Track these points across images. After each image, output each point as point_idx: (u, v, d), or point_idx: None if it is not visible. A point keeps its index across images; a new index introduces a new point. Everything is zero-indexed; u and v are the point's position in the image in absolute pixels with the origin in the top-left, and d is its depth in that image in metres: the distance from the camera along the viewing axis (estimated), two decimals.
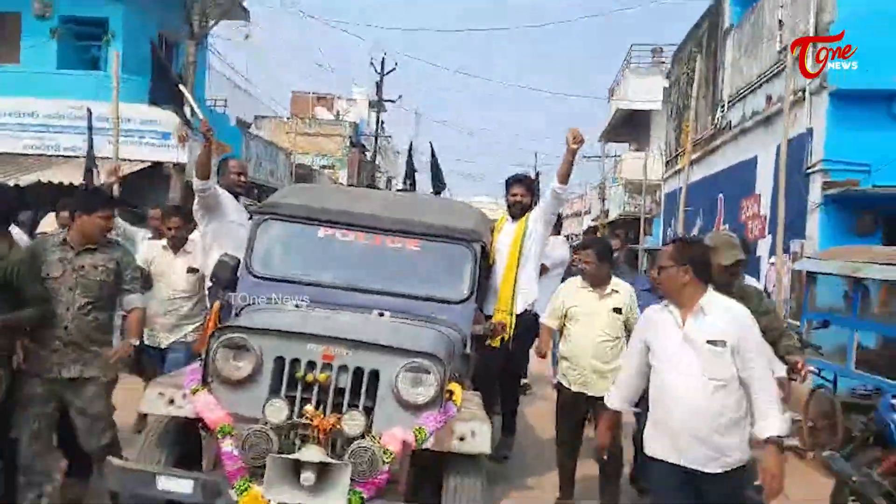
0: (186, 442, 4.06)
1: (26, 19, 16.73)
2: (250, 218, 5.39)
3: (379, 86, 31.24)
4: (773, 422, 3.53)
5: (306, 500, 3.58)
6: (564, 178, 5.91)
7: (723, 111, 15.70)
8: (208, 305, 5.73)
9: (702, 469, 3.62)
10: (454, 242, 5.15)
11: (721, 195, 14.83)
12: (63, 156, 15.03)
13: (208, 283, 5.63)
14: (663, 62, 24.23)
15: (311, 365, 3.85)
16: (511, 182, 6.36)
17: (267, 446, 3.64)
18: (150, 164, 14.72)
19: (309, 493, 3.59)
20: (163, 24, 17.47)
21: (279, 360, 3.87)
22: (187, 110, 7.44)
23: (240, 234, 5.50)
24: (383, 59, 31.28)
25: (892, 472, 4.80)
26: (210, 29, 18.04)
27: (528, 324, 5.99)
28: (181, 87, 6.78)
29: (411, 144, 15.61)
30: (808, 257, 9.04)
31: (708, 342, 3.62)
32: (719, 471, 3.60)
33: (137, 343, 4.79)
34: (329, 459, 3.65)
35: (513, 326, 5.83)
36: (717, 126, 15.99)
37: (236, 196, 6.16)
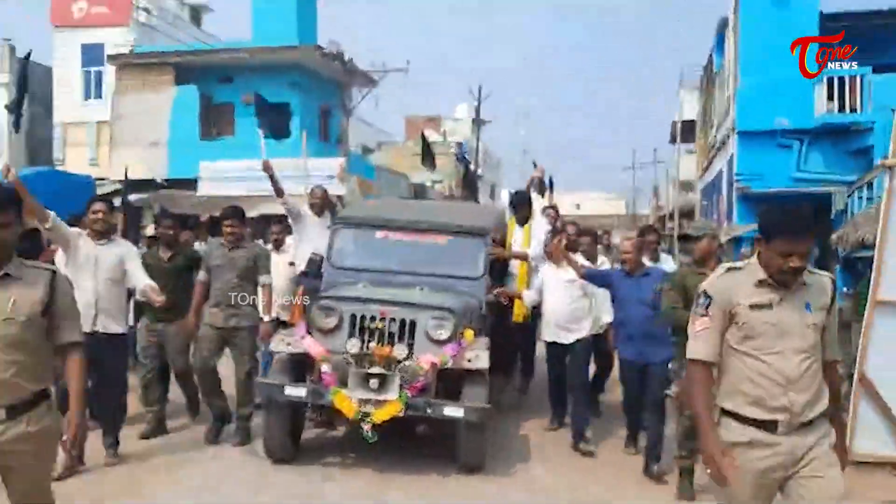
0: (296, 369, 5.58)
1: (237, 107, 21.19)
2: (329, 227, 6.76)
3: (477, 110, 33.16)
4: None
5: (374, 395, 5.19)
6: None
7: (715, 131, 19.61)
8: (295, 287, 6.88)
9: (565, 342, 6.14)
10: (471, 236, 6.49)
11: (715, 194, 19.15)
12: (268, 196, 18.96)
13: (298, 270, 6.88)
14: None
15: (373, 319, 5.44)
16: (517, 202, 7.46)
17: (348, 367, 5.28)
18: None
19: (375, 392, 5.21)
20: (323, 101, 22.30)
21: (353, 316, 5.45)
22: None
23: (317, 238, 6.77)
24: (480, 87, 33.29)
25: None
26: (357, 105, 23.16)
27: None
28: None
29: (467, 164, 16.93)
30: None
31: (567, 280, 6.05)
32: (573, 341, 6.20)
33: (268, 318, 6.06)
34: (386, 372, 5.29)
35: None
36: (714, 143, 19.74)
37: (318, 213, 7.20)
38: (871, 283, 5.66)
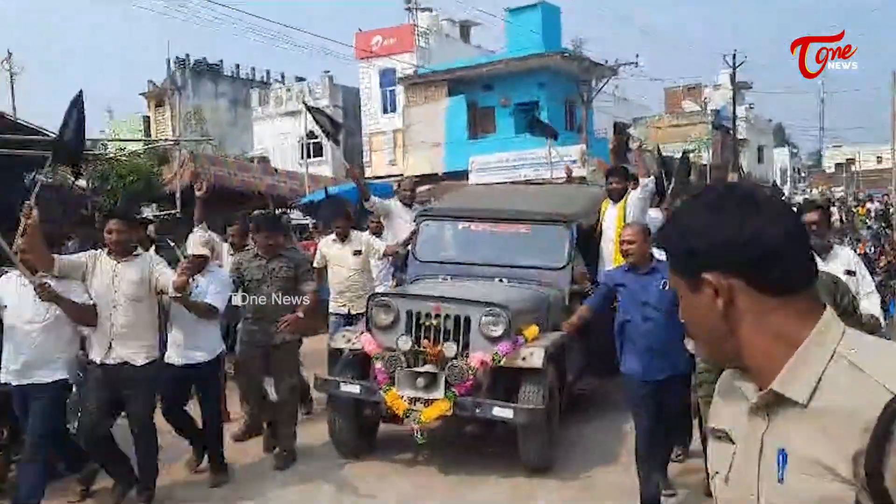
0: (360, 366, 4.79)
1: (497, 109, 22.11)
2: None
3: (733, 77, 28.64)
4: None
5: (421, 394, 4.40)
6: (643, 175, 5.55)
7: None
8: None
9: None
10: (555, 224, 5.28)
11: None
12: (528, 182, 18.38)
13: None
14: None
15: (428, 315, 4.58)
16: (608, 173, 6.01)
17: (399, 364, 4.49)
18: (564, 178, 17.41)
19: (423, 391, 4.42)
20: (567, 95, 21.98)
21: (408, 313, 4.63)
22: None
23: (408, 230, 5.85)
24: (734, 53, 28.73)
25: None
26: (594, 96, 22.03)
27: None
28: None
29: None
30: None
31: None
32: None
33: (303, 315, 4.72)
34: (433, 370, 4.44)
35: None
36: None
37: (409, 205, 6.35)
38: None
